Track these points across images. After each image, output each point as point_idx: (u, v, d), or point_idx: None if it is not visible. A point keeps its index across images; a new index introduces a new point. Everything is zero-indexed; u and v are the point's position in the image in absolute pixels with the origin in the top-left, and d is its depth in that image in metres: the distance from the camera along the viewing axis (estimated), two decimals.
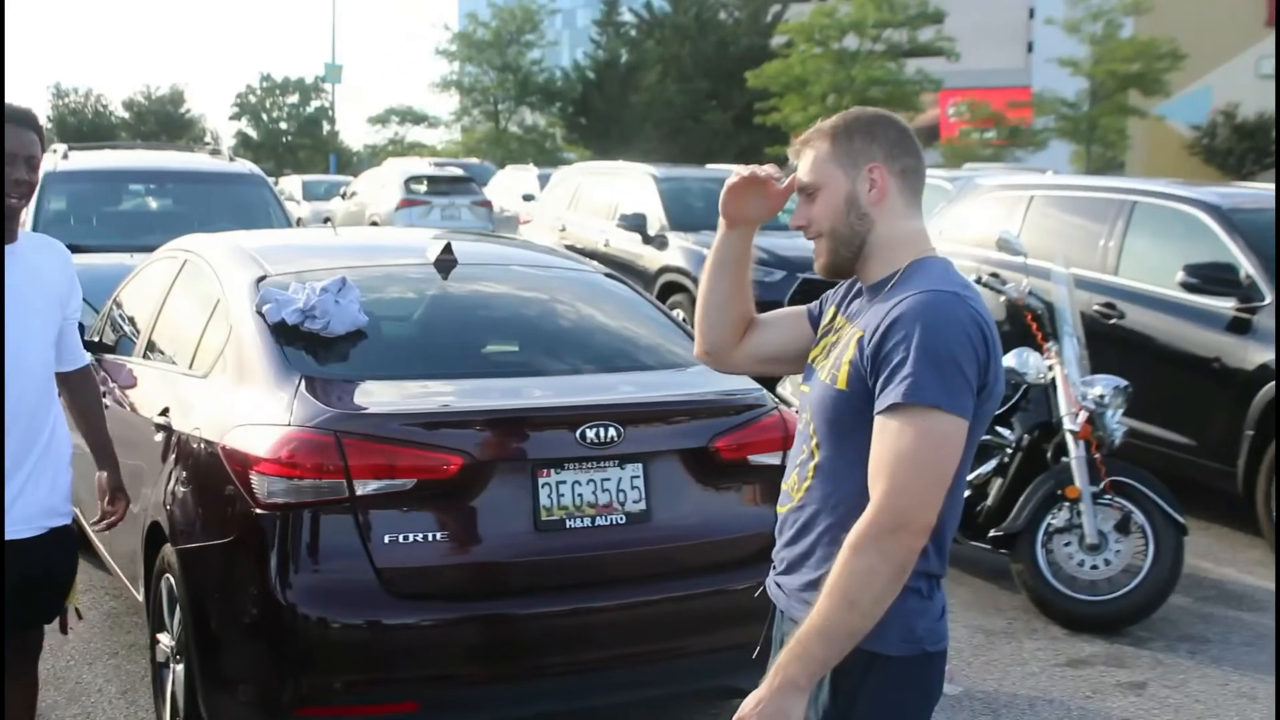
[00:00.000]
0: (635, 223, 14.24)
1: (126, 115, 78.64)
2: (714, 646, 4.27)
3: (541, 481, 4.15)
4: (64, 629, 4.30)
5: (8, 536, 3.81)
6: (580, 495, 4.20)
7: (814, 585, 2.52)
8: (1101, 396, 6.48)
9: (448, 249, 5.06)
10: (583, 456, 4.20)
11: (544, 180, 22.70)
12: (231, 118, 76.01)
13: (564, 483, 4.18)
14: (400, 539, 4.01)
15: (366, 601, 4.00)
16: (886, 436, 2.43)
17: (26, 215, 9.90)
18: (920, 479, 2.40)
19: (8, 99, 3.88)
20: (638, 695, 4.42)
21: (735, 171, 2.89)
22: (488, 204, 26.72)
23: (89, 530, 5.97)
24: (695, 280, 13.06)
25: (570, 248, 14.86)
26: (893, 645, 2.53)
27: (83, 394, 4.27)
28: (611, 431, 4.20)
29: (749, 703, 2.44)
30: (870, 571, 2.38)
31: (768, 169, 2.87)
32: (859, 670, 2.52)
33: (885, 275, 2.61)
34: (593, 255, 14.22)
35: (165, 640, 4.64)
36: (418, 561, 4.03)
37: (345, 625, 4.01)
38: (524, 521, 4.14)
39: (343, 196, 29.97)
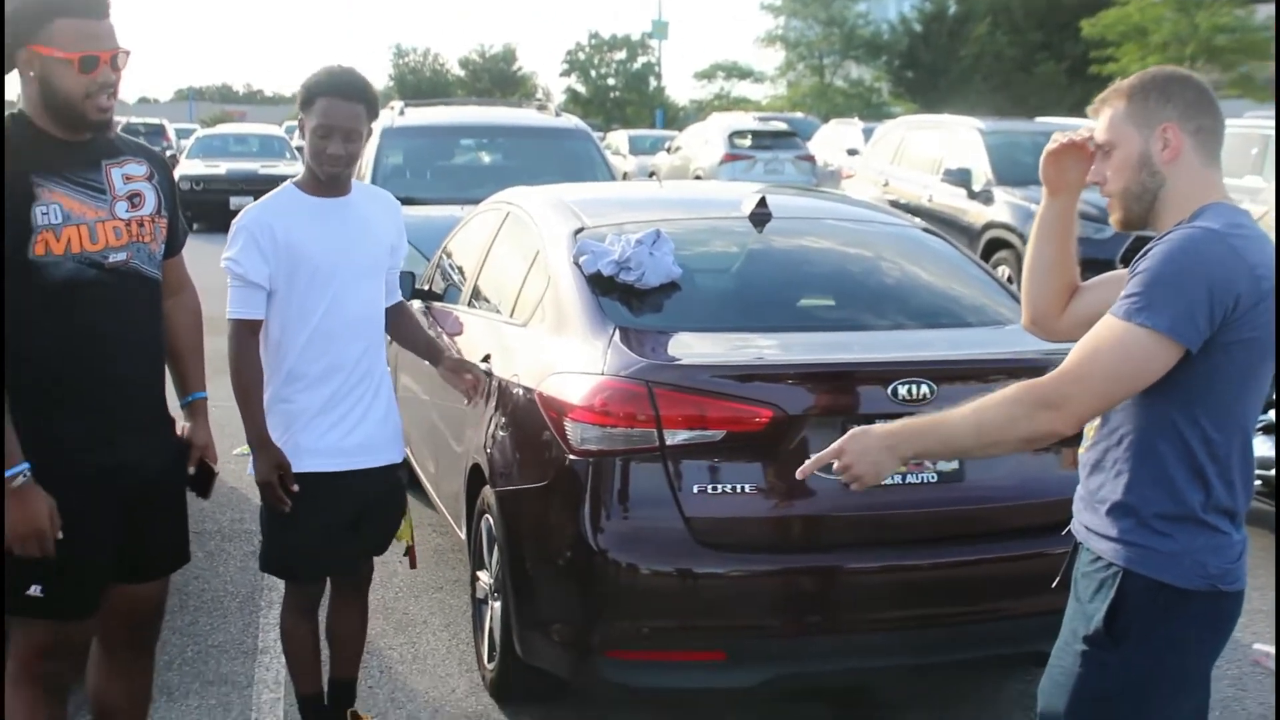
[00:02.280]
0: (960, 178, 13.95)
1: (462, 73, 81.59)
2: (1028, 611, 4.14)
3: None
4: (413, 563, 4.64)
5: (342, 468, 4.05)
6: None
7: (1104, 517, 2.68)
8: None
9: (762, 202, 5.05)
10: (894, 413, 4.10)
11: (868, 134, 22.43)
12: (561, 74, 77.84)
13: None
14: (709, 489, 4.04)
15: (676, 550, 4.05)
16: (1096, 329, 2.58)
17: (365, 169, 10.44)
18: (1098, 378, 2.54)
19: (350, 65, 4.06)
20: (945, 658, 4.32)
21: (1054, 137, 2.97)
22: (811, 158, 26.58)
23: (418, 470, 6.26)
24: (1022, 237, 12.68)
25: (893, 203, 14.69)
26: (1184, 578, 2.60)
27: (401, 320, 4.45)
28: (924, 388, 4.11)
29: (854, 439, 2.69)
30: (1008, 420, 2.61)
31: (1083, 132, 2.90)
32: (1144, 597, 2.62)
33: (1174, 225, 2.66)
34: (916, 210, 14.01)
35: (484, 578, 4.82)
36: (726, 512, 4.06)
37: (655, 572, 4.07)
38: (832, 477, 4.09)
39: (668, 151, 30.32)
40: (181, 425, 3.77)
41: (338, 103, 3.92)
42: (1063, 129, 2.95)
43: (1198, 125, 2.70)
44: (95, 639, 3.65)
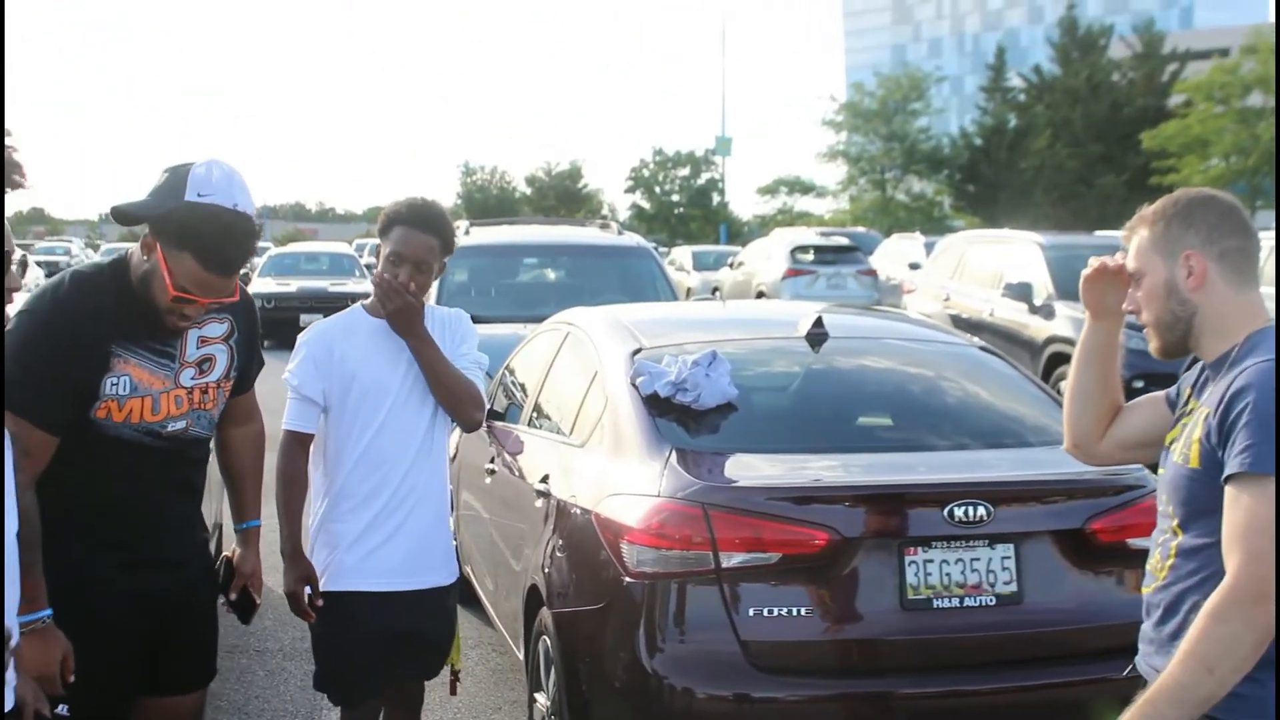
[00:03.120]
0: (1021, 292, 13.94)
1: (528, 191, 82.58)
2: None
3: (908, 560, 4.09)
4: (452, 690, 4.55)
5: (386, 589, 4.04)
6: (948, 575, 4.11)
7: None
8: None
9: (818, 322, 5.09)
10: (951, 535, 4.12)
11: (930, 249, 22.46)
12: (626, 191, 78.53)
13: (931, 561, 4.10)
14: (764, 612, 4.03)
15: (731, 674, 4.03)
16: (1239, 507, 2.44)
17: (431, 288, 10.58)
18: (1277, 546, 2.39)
19: (432, 199, 4.15)
20: None
21: (1090, 262, 2.96)
22: (873, 273, 26.64)
23: (478, 588, 6.27)
24: None
25: (954, 317, 14.70)
26: None
27: None
28: (981, 510, 4.10)
29: None
30: (1234, 639, 2.40)
31: (1118, 257, 2.89)
32: None
33: (1224, 351, 2.64)
34: (977, 325, 13.98)
35: (542, 700, 4.80)
36: (781, 636, 4.04)
37: (710, 696, 4.05)
38: (889, 600, 4.08)
39: (731, 266, 30.51)
40: (233, 549, 3.84)
41: (413, 233, 4.01)
42: (1120, 244, 2.95)
43: (1221, 250, 2.66)
44: None
